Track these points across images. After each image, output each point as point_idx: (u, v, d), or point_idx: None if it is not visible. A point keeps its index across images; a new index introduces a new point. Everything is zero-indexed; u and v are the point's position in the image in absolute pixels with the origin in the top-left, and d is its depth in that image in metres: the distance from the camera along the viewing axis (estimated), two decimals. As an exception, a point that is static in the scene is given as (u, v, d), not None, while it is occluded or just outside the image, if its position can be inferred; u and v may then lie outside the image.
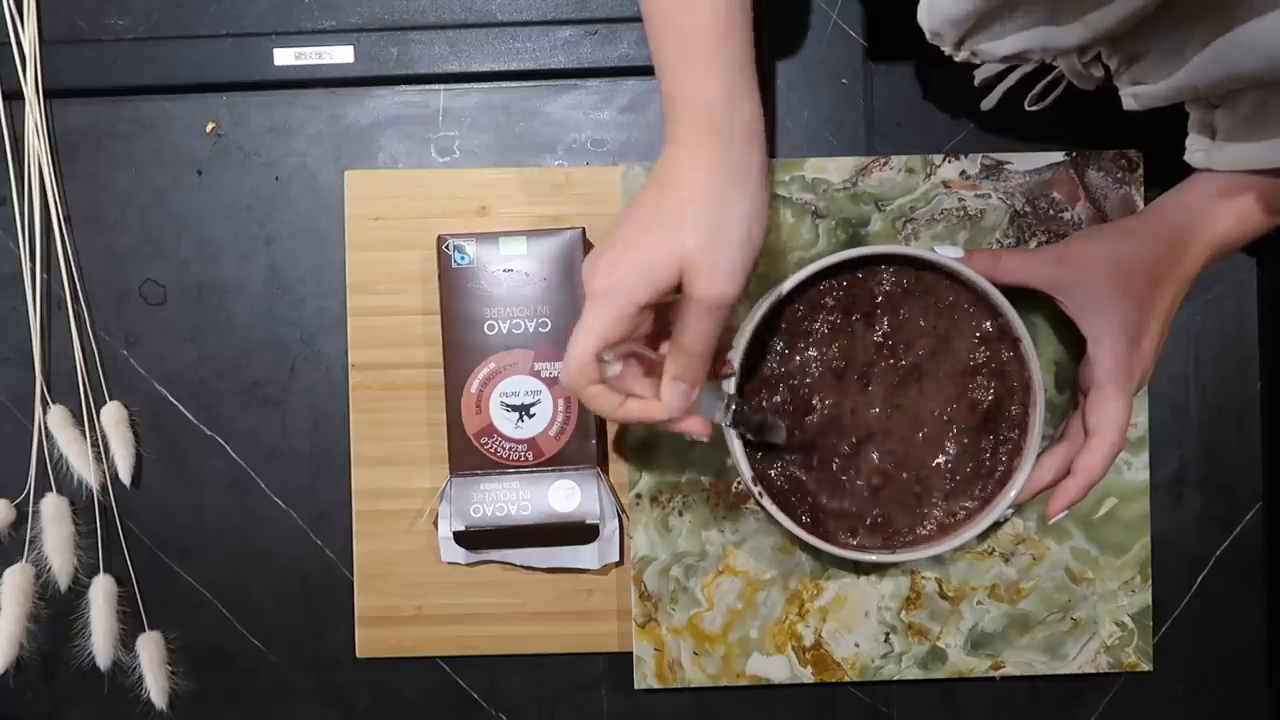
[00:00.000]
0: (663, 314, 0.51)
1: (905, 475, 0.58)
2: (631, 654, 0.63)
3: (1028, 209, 0.63)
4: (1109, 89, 0.54)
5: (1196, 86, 0.48)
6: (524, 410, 0.61)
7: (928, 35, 0.53)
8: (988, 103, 0.60)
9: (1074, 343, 0.61)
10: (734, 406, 0.53)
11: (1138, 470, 0.63)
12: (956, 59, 0.54)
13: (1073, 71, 0.53)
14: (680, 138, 0.50)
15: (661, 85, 0.50)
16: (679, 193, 0.49)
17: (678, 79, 0.50)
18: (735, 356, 0.55)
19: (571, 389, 0.51)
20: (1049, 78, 0.57)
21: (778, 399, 0.58)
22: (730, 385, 0.54)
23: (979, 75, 0.59)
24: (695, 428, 0.53)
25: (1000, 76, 0.59)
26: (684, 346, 0.50)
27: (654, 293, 0.48)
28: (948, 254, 0.56)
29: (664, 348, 0.52)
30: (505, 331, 0.61)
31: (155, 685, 0.63)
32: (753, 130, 0.50)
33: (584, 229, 0.61)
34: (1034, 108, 0.58)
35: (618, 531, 0.63)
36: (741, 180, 0.49)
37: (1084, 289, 0.54)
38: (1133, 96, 0.52)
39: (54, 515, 0.63)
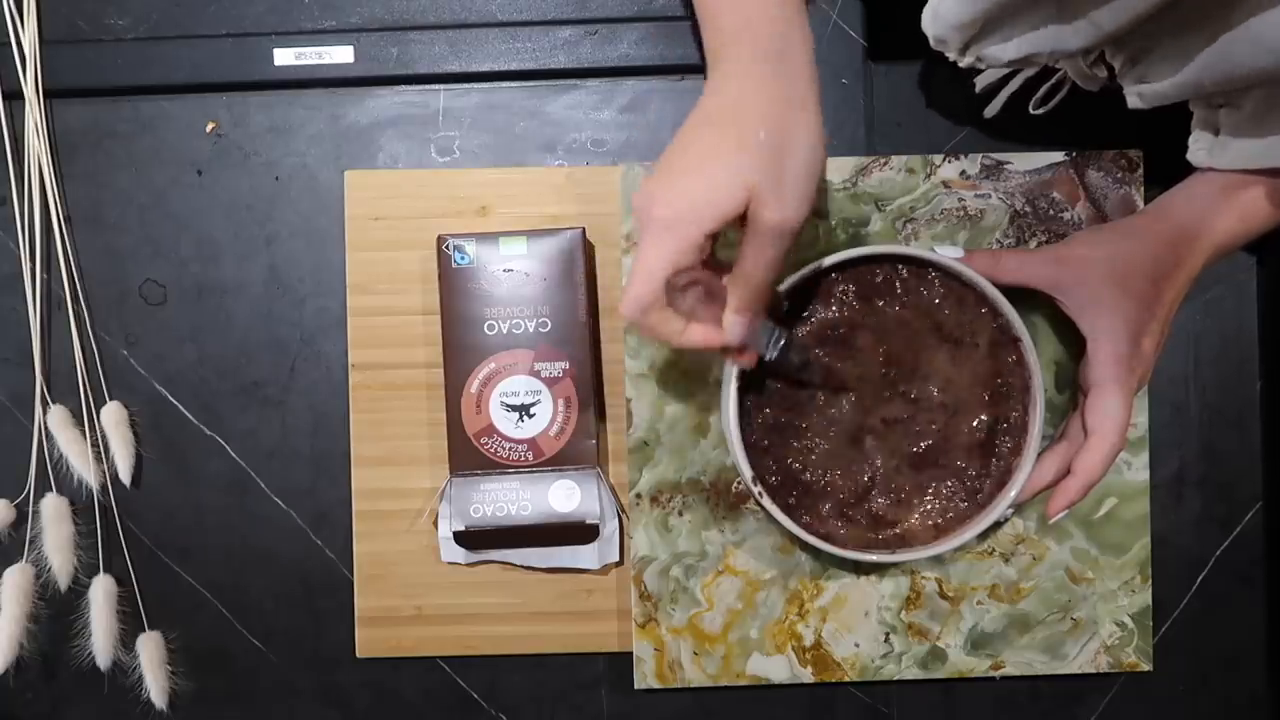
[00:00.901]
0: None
1: (905, 475, 0.58)
2: (631, 654, 0.63)
3: (1028, 209, 0.63)
4: (1113, 89, 0.54)
5: (1202, 84, 0.48)
6: (524, 410, 0.61)
7: (932, 42, 0.53)
8: (990, 110, 0.60)
9: (1074, 343, 0.61)
10: (782, 341, 0.53)
11: (1138, 470, 0.63)
12: (961, 64, 0.54)
13: (1077, 73, 0.54)
14: (738, 65, 0.48)
15: (711, 15, 0.49)
16: (743, 120, 0.48)
17: (738, 6, 0.48)
18: (783, 290, 0.55)
19: (633, 317, 0.50)
20: (1052, 80, 0.57)
21: (779, 398, 0.58)
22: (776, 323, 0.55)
23: (980, 82, 0.59)
24: (747, 360, 0.53)
25: (1002, 82, 0.59)
26: (749, 275, 0.49)
27: (721, 220, 0.47)
28: (948, 254, 0.56)
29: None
30: (505, 331, 0.61)
31: (155, 685, 0.63)
32: (811, 56, 0.49)
33: (584, 229, 0.62)
34: (1039, 111, 0.58)
35: (618, 531, 0.63)
36: (802, 107, 0.48)
37: (1084, 289, 0.54)
38: (1138, 95, 0.52)
39: (54, 515, 0.63)
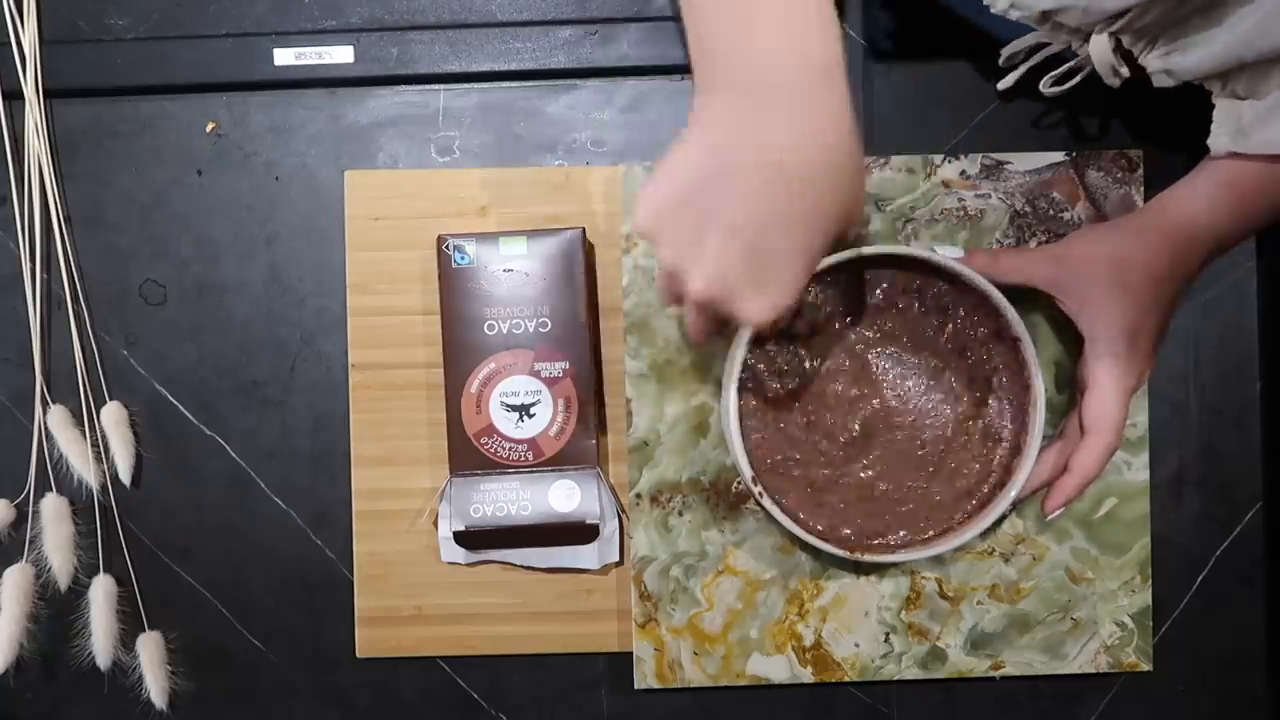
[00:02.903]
0: None
1: (905, 475, 0.58)
2: (631, 654, 0.63)
3: (1028, 209, 0.63)
4: (1130, 81, 0.53)
5: (1243, 56, 0.48)
6: (524, 410, 0.61)
7: None
8: (1005, 83, 0.59)
9: (1074, 342, 0.61)
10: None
11: (1137, 470, 0.63)
12: (994, 9, 0.53)
13: (1100, 58, 0.53)
14: (796, 93, 0.41)
15: (742, 43, 0.42)
16: (807, 187, 0.42)
17: (786, 30, 0.41)
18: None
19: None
20: (1068, 65, 0.56)
21: (779, 398, 0.58)
22: None
23: (1005, 53, 0.58)
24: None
25: (1023, 58, 0.58)
26: None
27: None
28: (948, 254, 0.56)
29: None
30: (505, 331, 0.61)
31: (155, 685, 0.63)
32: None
33: (584, 229, 0.61)
34: (1050, 91, 0.57)
35: (618, 531, 0.63)
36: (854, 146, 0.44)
37: (1083, 288, 0.54)
38: (1165, 72, 0.51)
39: (54, 515, 0.63)
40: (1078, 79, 0.56)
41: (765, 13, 0.41)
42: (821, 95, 0.42)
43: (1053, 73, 0.57)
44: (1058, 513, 0.55)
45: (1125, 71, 0.53)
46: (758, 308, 0.44)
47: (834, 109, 0.42)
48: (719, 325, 0.51)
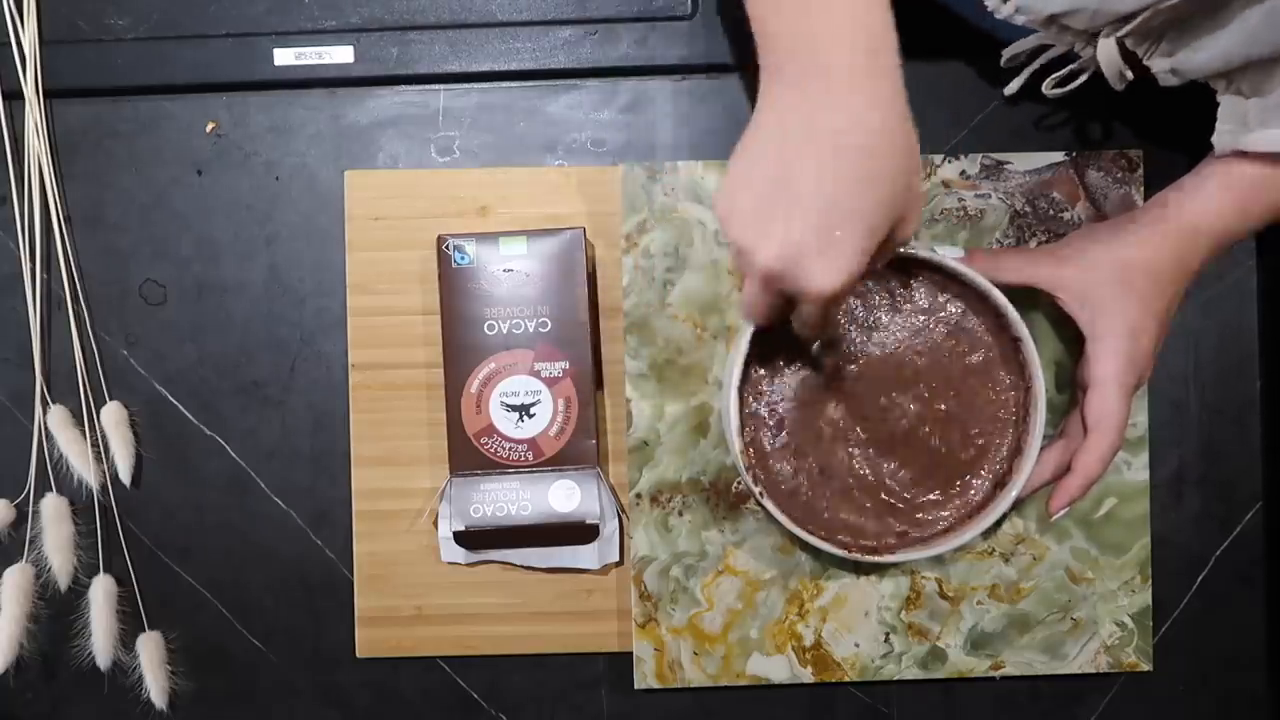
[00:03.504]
0: None
1: (904, 475, 0.58)
2: (631, 654, 0.63)
3: (1028, 209, 0.63)
4: (1134, 83, 0.53)
5: (1249, 54, 0.48)
6: (524, 410, 0.61)
7: None
8: (1011, 88, 0.59)
9: (1074, 342, 0.61)
10: None
11: (1138, 470, 0.63)
12: (998, 15, 0.53)
13: (1108, 60, 0.52)
14: (859, 79, 0.43)
15: (801, 26, 0.43)
16: (871, 173, 0.44)
17: (843, 14, 0.43)
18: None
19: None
20: (1072, 66, 0.56)
21: (779, 398, 0.58)
22: None
23: (1006, 54, 0.58)
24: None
25: (1027, 60, 0.58)
26: None
27: None
28: (949, 254, 0.56)
29: None
30: (505, 331, 0.61)
31: (155, 685, 0.63)
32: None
33: (584, 229, 0.61)
34: (1052, 93, 0.57)
35: (618, 531, 0.63)
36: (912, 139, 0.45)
37: (1085, 287, 0.54)
38: (1171, 72, 0.51)
39: (54, 515, 0.63)
40: (1081, 80, 0.56)
41: None
42: (877, 78, 0.43)
43: (1055, 75, 0.57)
44: (1062, 513, 0.55)
45: (1130, 74, 0.53)
46: (824, 280, 0.44)
47: (888, 92, 0.44)
48: (783, 306, 0.49)
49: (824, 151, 0.43)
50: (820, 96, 0.43)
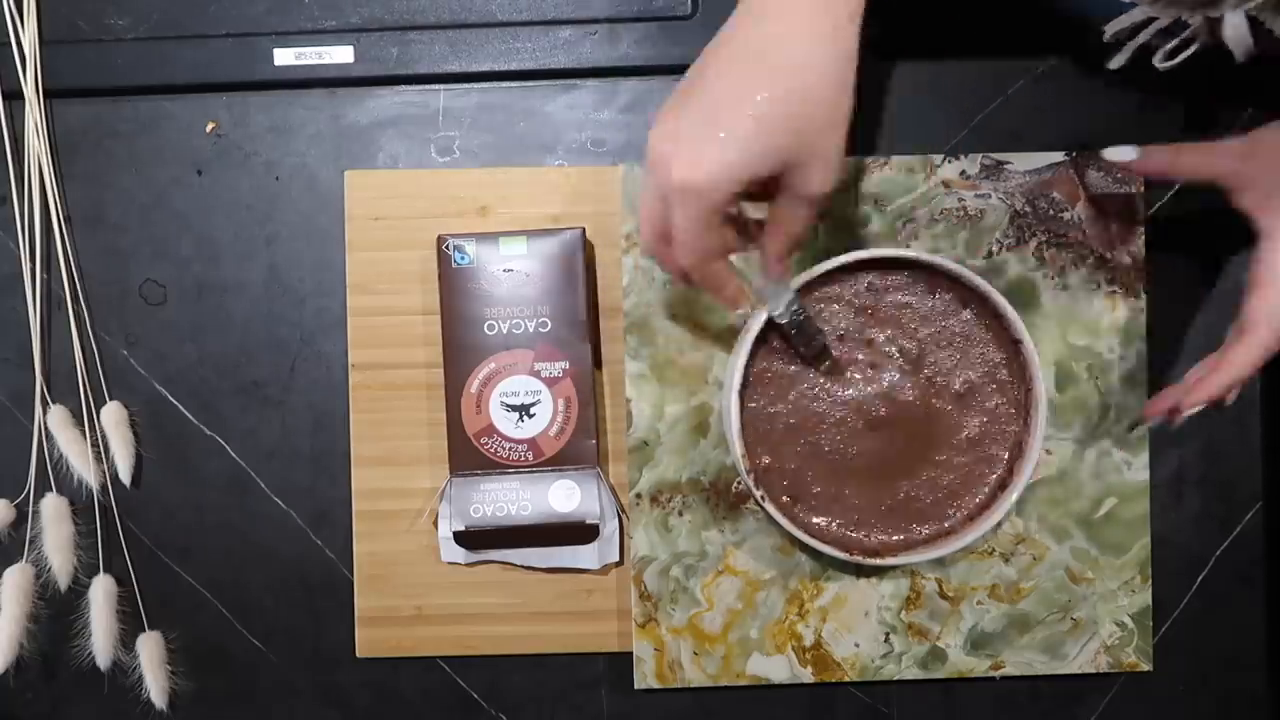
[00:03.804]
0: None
1: (906, 476, 0.58)
2: (631, 654, 0.63)
3: (1028, 209, 0.63)
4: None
5: None
6: (524, 410, 0.61)
7: None
8: (1116, 61, 0.57)
9: (1074, 342, 0.61)
10: (797, 308, 0.54)
11: (1138, 470, 0.63)
12: None
13: (1237, 33, 0.50)
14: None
15: None
16: (782, 63, 0.45)
17: None
18: (795, 287, 0.55)
19: (685, 271, 0.49)
20: (1181, 37, 0.54)
21: (780, 399, 0.58)
22: (796, 282, 0.55)
23: (1110, 29, 0.56)
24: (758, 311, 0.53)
25: (1132, 33, 0.56)
26: (784, 226, 0.49)
27: (751, 185, 0.46)
28: (1121, 155, 0.53)
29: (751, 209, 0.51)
30: (505, 331, 0.61)
31: (155, 685, 0.63)
32: None
33: (584, 229, 0.61)
34: (1164, 66, 0.55)
35: (618, 531, 0.63)
36: (845, 47, 0.46)
37: (1271, 181, 0.51)
38: None
39: (54, 515, 0.63)
40: (1190, 51, 0.54)
41: None
42: (818, 14, 0.45)
43: (1165, 47, 0.54)
44: (1191, 412, 0.52)
45: (1254, 47, 0.51)
46: (682, 172, 0.45)
47: (827, 29, 0.45)
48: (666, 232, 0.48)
49: (738, 61, 0.45)
50: (758, 19, 0.45)
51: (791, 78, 0.44)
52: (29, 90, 0.63)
